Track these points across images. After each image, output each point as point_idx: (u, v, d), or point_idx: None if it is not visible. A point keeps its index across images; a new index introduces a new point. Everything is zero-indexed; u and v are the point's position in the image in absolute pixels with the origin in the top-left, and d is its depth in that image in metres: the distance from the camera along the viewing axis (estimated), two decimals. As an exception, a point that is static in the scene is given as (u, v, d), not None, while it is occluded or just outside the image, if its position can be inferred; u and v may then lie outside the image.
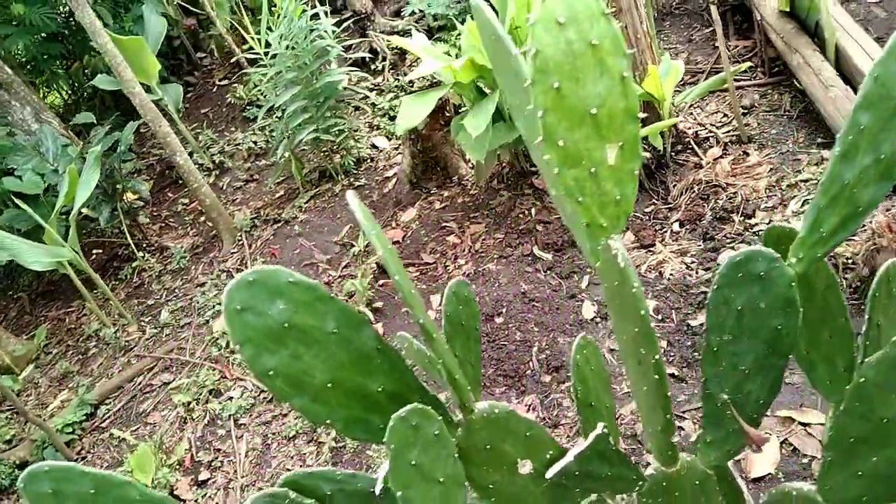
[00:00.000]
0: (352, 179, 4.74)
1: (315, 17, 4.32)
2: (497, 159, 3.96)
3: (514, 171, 4.03)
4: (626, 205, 0.90)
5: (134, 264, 4.78)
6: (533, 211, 3.74)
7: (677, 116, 3.46)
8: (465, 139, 3.54)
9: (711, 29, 4.35)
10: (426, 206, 4.23)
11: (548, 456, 0.98)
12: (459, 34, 4.91)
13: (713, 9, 3.35)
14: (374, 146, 4.94)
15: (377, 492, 0.95)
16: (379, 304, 3.65)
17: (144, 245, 4.90)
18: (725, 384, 0.95)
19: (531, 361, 2.99)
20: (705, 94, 3.53)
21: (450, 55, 4.49)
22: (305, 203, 4.72)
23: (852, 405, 0.86)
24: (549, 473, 0.97)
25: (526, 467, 0.97)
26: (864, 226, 2.78)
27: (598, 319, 3.04)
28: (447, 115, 4.20)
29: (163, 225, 5.22)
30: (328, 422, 0.91)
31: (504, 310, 3.24)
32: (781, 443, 2.33)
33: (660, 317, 2.94)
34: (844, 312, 1.05)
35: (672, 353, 2.79)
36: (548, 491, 0.97)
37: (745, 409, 0.96)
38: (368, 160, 4.85)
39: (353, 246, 4.23)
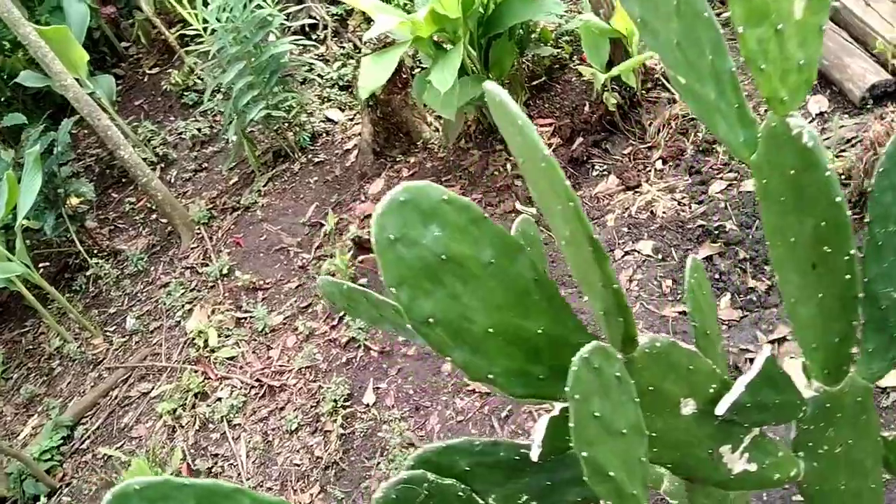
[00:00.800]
0: (310, 156, 4.52)
1: (250, -14, 4.05)
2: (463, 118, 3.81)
3: (481, 128, 3.89)
4: (809, 71, 0.78)
5: (88, 273, 4.47)
6: (508, 167, 3.61)
7: (642, 54, 3.36)
8: (433, 97, 3.38)
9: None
10: (394, 176, 4.06)
11: (711, 391, 0.86)
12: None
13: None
14: (328, 119, 4.71)
15: (535, 457, 0.82)
16: (363, 282, 3.49)
17: (96, 251, 4.59)
18: (893, 282, 0.84)
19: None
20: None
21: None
22: (264, 186, 4.48)
23: None
24: (720, 409, 0.85)
25: (689, 407, 0.85)
26: (857, 139, 2.75)
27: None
28: (403, 77, 4.01)
29: (112, 228, 4.91)
30: (489, 376, 0.77)
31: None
32: None
33: (660, 256, 2.86)
34: None
35: (679, 292, 2.73)
36: (712, 432, 0.86)
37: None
38: (324, 134, 4.63)
39: (322, 225, 4.04)
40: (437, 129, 4.15)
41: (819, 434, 0.92)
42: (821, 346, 0.85)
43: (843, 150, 2.73)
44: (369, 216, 3.92)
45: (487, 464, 0.87)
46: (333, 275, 3.62)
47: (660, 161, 3.23)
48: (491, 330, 0.74)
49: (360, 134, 4.29)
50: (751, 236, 2.71)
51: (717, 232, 2.79)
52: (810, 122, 3.01)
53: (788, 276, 0.83)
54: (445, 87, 3.11)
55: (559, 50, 3.91)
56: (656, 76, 3.55)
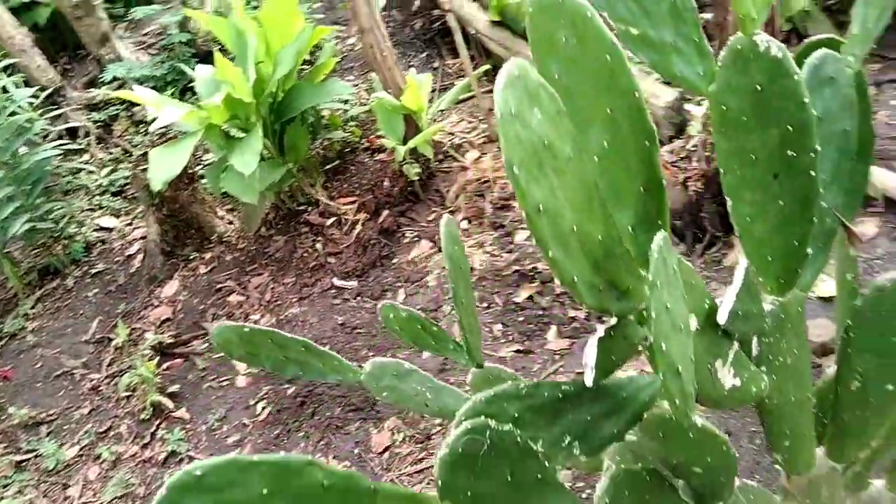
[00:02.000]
0: (86, 268, 4.08)
1: (4, 90, 3.68)
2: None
3: (282, 214, 3.83)
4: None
5: None
6: (318, 246, 3.57)
7: (436, 124, 3.59)
8: (232, 184, 3.28)
9: (428, 53, 4.64)
10: (190, 274, 3.80)
11: (706, 307, 0.89)
12: (179, 90, 4.58)
13: (450, 17, 3.58)
14: (102, 227, 4.31)
15: (590, 382, 0.77)
16: (175, 388, 3.15)
17: None
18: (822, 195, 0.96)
19: (377, 387, 2.81)
20: (456, 100, 3.73)
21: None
22: (31, 309, 3.93)
23: None
24: (722, 317, 0.89)
25: (694, 323, 0.87)
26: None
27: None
28: (189, 172, 3.84)
29: None
30: (574, 279, 0.72)
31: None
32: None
33: (485, 304, 2.98)
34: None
35: (510, 333, 2.84)
36: (709, 346, 0.89)
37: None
38: (100, 243, 4.22)
39: (111, 340, 3.62)
40: (232, 222, 4.00)
41: (775, 346, 1.02)
42: (777, 256, 0.95)
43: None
44: (168, 320, 3.61)
45: (533, 408, 0.82)
46: (134, 390, 3.25)
47: (465, 221, 3.41)
48: (574, 228, 0.72)
49: (144, 237, 3.99)
50: (564, 273, 2.94)
51: (531, 274, 2.99)
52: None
53: (744, 197, 0.92)
54: (249, 170, 3.05)
55: (348, 134, 4.03)
56: (445, 149, 3.80)
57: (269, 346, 1.32)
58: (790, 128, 0.87)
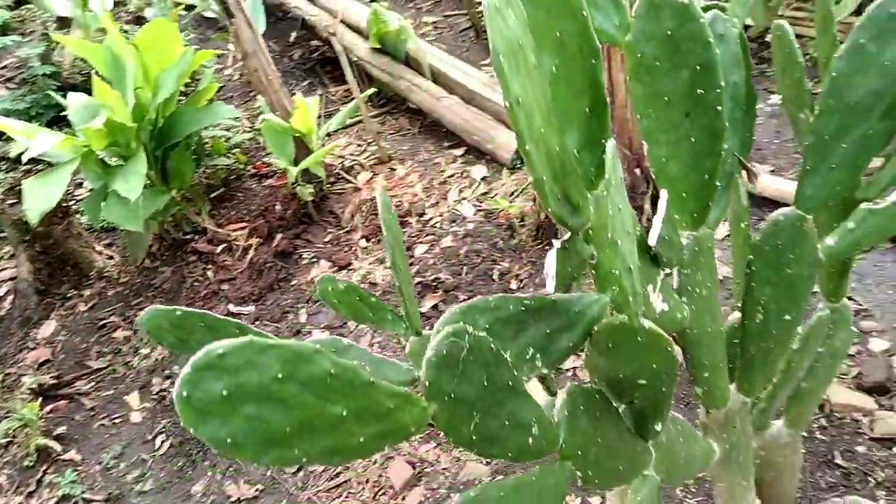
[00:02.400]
0: (-56, 317, 3.72)
1: None
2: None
3: (167, 244, 3.68)
4: None
5: None
6: (210, 274, 3.46)
7: (326, 146, 3.60)
8: (115, 212, 3.13)
9: (309, 81, 4.66)
10: (68, 313, 3.56)
11: (637, 234, 0.96)
12: (44, 124, 4.32)
13: (335, 41, 3.62)
14: (-40, 272, 3.95)
15: (551, 288, 0.80)
16: (62, 430, 2.92)
17: None
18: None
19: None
20: (344, 122, 3.76)
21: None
22: None
23: (826, 103, 1.05)
24: (652, 240, 0.95)
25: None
26: (520, 190, 3.29)
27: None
28: (63, 206, 3.62)
29: None
30: (543, 179, 0.74)
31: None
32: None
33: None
34: (801, 68, 1.25)
35: (418, 343, 2.86)
36: (642, 270, 0.95)
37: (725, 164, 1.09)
38: (-41, 290, 3.87)
39: (-22, 389, 3.31)
40: (112, 256, 3.80)
41: (692, 278, 1.11)
42: (690, 192, 1.04)
43: (514, 200, 3.25)
44: (47, 362, 3.36)
45: (501, 320, 0.85)
46: (14, 437, 2.98)
47: (363, 240, 3.43)
48: (542, 131, 0.75)
49: (13, 277, 3.70)
50: (463, 280, 3.01)
51: (434, 284, 3.04)
52: (476, 186, 3.52)
53: (659, 139, 1.00)
54: (135, 195, 2.93)
55: (233, 161, 3.95)
56: (336, 171, 3.81)
57: (201, 330, 1.28)
58: (698, 67, 0.97)
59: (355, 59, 4.17)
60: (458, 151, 3.76)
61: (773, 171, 3.06)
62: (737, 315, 1.34)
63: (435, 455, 2.43)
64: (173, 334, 1.33)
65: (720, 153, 1.03)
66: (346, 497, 2.39)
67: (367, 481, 2.41)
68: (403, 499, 2.32)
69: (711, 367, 1.23)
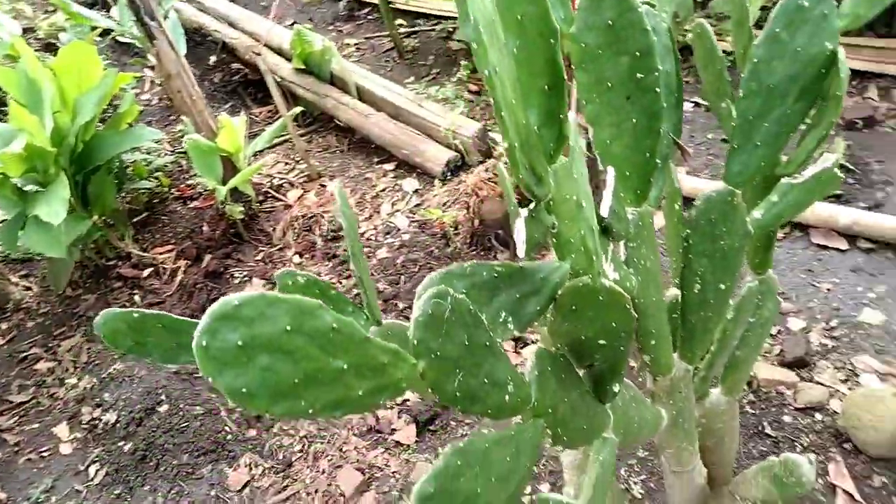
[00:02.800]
0: None
1: None
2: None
3: (89, 270, 3.56)
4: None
5: None
6: (137, 298, 3.36)
7: (253, 164, 3.58)
8: (35, 239, 3.01)
9: (232, 104, 4.62)
10: (-17, 350, 3.38)
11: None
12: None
13: (259, 60, 3.62)
14: None
15: (522, 253, 0.85)
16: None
17: None
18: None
19: (225, 426, 2.69)
20: (272, 140, 3.75)
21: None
22: None
23: (749, 87, 1.16)
24: (604, 211, 1.02)
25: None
26: (452, 200, 3.36)
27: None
28: (-27, 236, 3.46)
29: None
30: (515, 145, 0.79)
31: (163, 395, 2.83)
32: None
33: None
34: (721, 61, 1.35)
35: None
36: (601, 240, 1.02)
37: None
38: None
39: None
40: (30, 287, 3.64)
41: (638, 251, 1.19)
42: (633, 170, 1.12)
43: (447, 210, 3.32)
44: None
45: (476, 285, 0.90)
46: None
47: (296, 256, 3.41)
48: (513, 101, 0.80)
49: (-81, 313, 3.48)
50: (402, 289, 3.05)
51: (371, 296, 3.06)
52: (409, 198, 3.58)
53: (603, 122, 1.08)
54: (59, 219, 2.84)
55: (155, 184, 3.87)
56: (265, 190, 3.79)
57: (160, 332, 1.27)
58: (637, 53, 1.06)
59: (279, 79, 4.18)
60: (389, 166, 3.81)
61: (688, 172, 3.26)
62: (674, 291, 1.44)
63: (384, 460, 2.44)
64: (130, 338, 1.31)
65: (659, 132, 1.12)
66: (297, 510, 2.37)
67: (315, 491, 2.39)
68: (355, 505, 2.32)
69: (658, 335, 1.31)
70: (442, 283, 0.89)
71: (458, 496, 0.79)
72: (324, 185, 3.79)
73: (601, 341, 1.04)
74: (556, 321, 1.01)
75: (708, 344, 1.43)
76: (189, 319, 1.28)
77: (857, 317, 2.54)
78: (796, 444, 2.13)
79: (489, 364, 0.87)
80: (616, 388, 1.14)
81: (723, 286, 1.34)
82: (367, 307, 1.37)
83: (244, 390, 0.64)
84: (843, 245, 2.81)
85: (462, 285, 0.91)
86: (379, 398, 0.77)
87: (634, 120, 1.12)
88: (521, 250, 0.91)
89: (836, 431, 2.19)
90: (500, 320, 0.93)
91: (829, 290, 2.65)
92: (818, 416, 2.24)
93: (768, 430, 2.18)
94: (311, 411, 0.70)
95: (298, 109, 3.84)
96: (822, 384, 2.34)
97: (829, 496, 2.05)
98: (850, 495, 2.03)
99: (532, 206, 0.94)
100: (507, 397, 0.90)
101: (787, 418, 2.22)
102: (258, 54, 3.81)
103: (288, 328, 0.66)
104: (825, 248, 2.83)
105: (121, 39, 4.94)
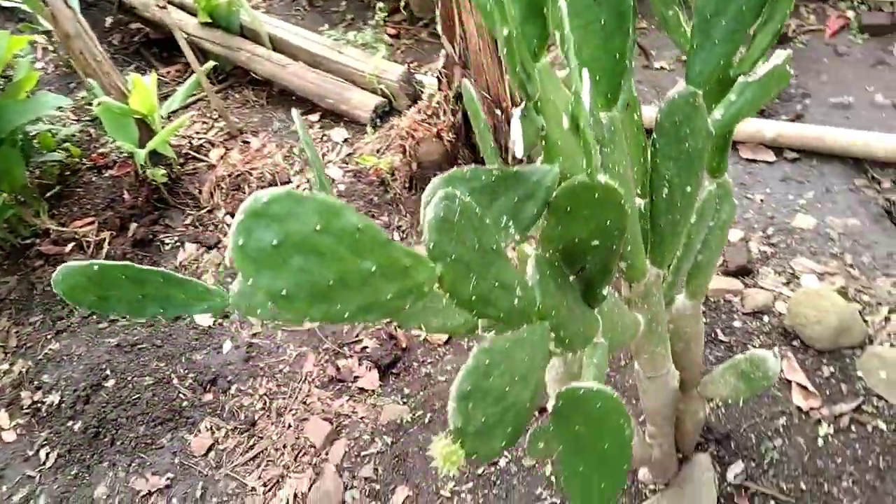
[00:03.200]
0: None
1: None
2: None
3: (5, 251, 3.34)
4: None
5: None
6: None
7: (171, 124, 3.41)
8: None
9: (136, 66, 4.35)
10: None
11: None
12: None
13: (165, 14, 3.42)
14: None
15: (520, 154, 0.84)
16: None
17: None
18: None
19: (179, 393, 2.61)
20: (186, 99, 3.57)
21: None
22: None
23: None
24: (518, 154, 1.03)
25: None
26: (385, 146, 3.31)
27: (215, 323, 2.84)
28: None
29: None
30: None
31: (107, 370, 2.72)
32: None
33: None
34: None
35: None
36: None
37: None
38: None
39: None
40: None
41: (612, 156, 1.20)
42: (603, 73, 1.12)
43: (381, 156, 3.27)
44: None
45: (476, 189, 0.89)
46: None
47: (228, 217, 3.30)
48: None
49: None
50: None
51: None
52: (339, 148, 3.50)
53: (572, 24, 1.07)
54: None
55: (66, 155, 3.64)
56: (185, 152, 3.63)
57: (123, 284, 1.21)
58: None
59: (185, 35, 3.96)
60: (314, 117, 3.71)
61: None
62: (638, 200, 1.47)
63: (350, 407, 2.43)
64: (91, 293, 1.24)
65: (628, 31, 1.12)
66: (266, 465, 2.34)
67: (284, 446, 2.37)
68: (327, 453, 2.31)
69: (632, 241, 1.34)
70: (447, 185, 0.87)
71: (490, 393, 0.79)
72: (247, 142, 3.66)
73: (594, 242, 1.05)
74: (549, 225, 1.02)
75: (676, 247, 1.47)
76: (154, 269, 1.22)
77: (790, 223, 2.68)
78: (748, 346, 2.25)
79: (497, 267, 0.87)
80: (605, 292, 1.16)
81: (689, 188, 1.37)
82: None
83: (283, 293, 0.63)
84: (771, 157, 2.95)
85: (463, 190, 0.90)
86: (405, 301, 0.76)
87: (603, 20, 1.12)
88: (518, 151, 0.91)
89: (783, 331, 2.32)
90: (502, 225, 0.93)
91: (762, 200, 2.78)
92: (766, 319, 2.37)
93: (721, 336, 2.29)
94: (346, 315, 0.69)
95: (211, 64, 3.66)
96: (765, 289, 2.46)
97: (784, 390, 2.18)
98: (804, 387, 2.17)
99: (524, 105, 0.93)
100: (515, 301, 0.91)
101: (737, 323, 2.34)
102: (163, 7, 3.59)
103: (317, 227, 0.65)
104: (754, 161, 2.95)
105: (3, 3, 4.57)
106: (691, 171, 1.36)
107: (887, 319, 2.40)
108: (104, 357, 2.77)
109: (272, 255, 0.62)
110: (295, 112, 1.26)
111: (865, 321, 2.34)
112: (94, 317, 3.00)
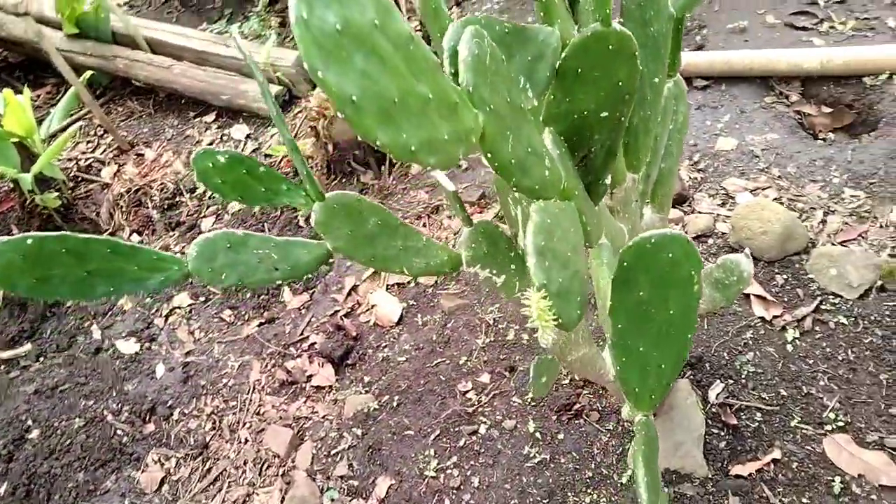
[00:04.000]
0: None
1: None
2: None
3: None
4: None
5: None
6: (-46, 329, 2.83)
7: (54, 143, 3.10)
8: None
9: None
10: None
11: None
12: None
13: (32, 29, 3.09)
14: None
15: None
16: None
17: None
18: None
19: (116, 429, 2.36)
20: (66, 116, 3.26)
21: None
22: None
23: None
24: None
25: None
26: (295, 131, 3.13)
27: (142, 348, 2.59)
28: None
29: None
30: None
31: (28, 420, 2.42)
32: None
33: (202, 299, 2.70)
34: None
35: (242, 309, 2.63)
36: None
37: None
38: None
39: None
40: None
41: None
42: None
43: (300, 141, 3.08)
44: None
45: (493, 40, 0.79)
46: None
47: (134, 235, 3.04)
48: None
49: None
50: (270, 234, 2.81)
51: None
52: (243, 145, 3.29)
53: None
54: None
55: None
56: (73, 174, 3.31)
57: (65, 260, 1.02)
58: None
59: (53, 50, 3.62)
60: (209, 117, 3.47)
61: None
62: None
63: (309, 408, 2.26)
64: (29, 274, 1.05)
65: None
66: (229, 487, 2.13)
67: (245, 463, 2.17)
68: (293, 461, 2.13)
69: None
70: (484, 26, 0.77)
71: (558, 256, 0.79)
72: (141, 154, 3.38)
73: (603, 113, 0.96)
74: (556, 100, 0.92)
75: (649, 148, 1.40)
76: (98, 237, 1.04)
77: (714, 147, 2.70)
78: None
79: (527, 130, 0.79)
80: (608, 181, 1.08)
81: (657, 79, 1.31)
82: (307, 180, 1.18)
83: (354, 98, 0.58)
84: (682, 85, 2.96)
85: (492, 37, 0.80)
86: (458, 148, 0.70)
87: None
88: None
89: (730, 249, 2.32)
90: (521, 86, 0.84)
91: (682, 127, 2.78)
92: (711, 241, 2.36)
93: (675, 259, 2.26)
94: (412, 147, 0.64)
95: (88, 74, 3.36)
96: (704, 213, 2.46)
97: (745, 305, 2.17)
98: (763, 298, 2.17)
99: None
100: (547, 172, 0.82)
101: (686, 245, 2.31)
102: (25, 14, 3.26)
103: (376, 22, 0.59)
104: (667, 92, 2.95)
105: None
106: (658, 59, 1.29)
107: (824, 222, 2.45)
108: (22, 407, 2.47)
109: (336, 44, 0.56)
110: (234, 29, 1.09)
111: (804, 226, 2.37)
112: (3, 367, 2.68)
